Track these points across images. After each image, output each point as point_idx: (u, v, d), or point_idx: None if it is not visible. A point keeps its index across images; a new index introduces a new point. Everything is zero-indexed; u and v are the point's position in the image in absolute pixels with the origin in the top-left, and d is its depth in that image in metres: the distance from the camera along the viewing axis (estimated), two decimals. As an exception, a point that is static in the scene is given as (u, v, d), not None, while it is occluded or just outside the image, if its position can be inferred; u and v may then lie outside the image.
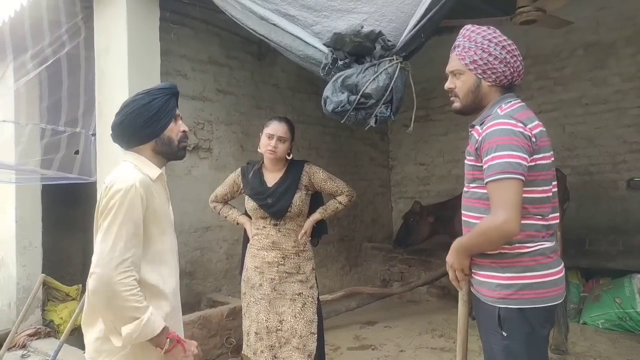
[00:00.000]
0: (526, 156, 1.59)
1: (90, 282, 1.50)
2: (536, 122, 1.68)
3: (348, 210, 6.00)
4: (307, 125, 5.57)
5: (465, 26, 1.79)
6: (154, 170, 1.69)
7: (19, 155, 4.23)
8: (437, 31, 2.21)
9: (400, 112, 2.31)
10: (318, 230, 2.84)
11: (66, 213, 5.35)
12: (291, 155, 2.72)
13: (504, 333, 1.66)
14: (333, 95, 2.07)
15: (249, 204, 2.70)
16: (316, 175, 2.72)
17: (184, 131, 1.76)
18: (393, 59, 2.03)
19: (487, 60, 1.71)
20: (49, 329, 4.38)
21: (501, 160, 1.57)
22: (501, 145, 1.58)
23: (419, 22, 1.98)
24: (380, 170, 6.77)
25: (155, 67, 3.34)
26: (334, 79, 2.10)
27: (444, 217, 4.88)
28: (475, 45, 1.72)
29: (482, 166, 1.66)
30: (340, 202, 2.75)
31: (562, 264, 1.74)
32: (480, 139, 1.66)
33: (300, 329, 2.61)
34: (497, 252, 1.67)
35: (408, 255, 5.79)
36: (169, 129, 1.71)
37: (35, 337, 4.25)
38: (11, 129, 4.36)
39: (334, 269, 5.88)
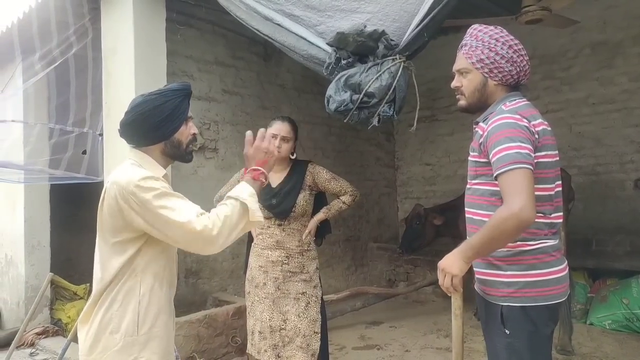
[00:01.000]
0: (532, 149, 1.59)
1: (201, 242, 1.51)
2: (540, 120, 1.68)
3: (354, 211, 6.04)
4: (313, 126, 5.59)
5: (473, 25, 1.80)
6: (158, 171, 1.67)
7: (28, 155, 4.29)
8: (442, 31, 2.22)
9: (406, 112, 2.31)
10: (322, 230, 2.85)
11: (74, 213, 5.40)
12: (295, 155, 2.74)
13: (507, 331, 1.66)
14: (336, 95, 2.08)
15: (253, 203, 2.71)
16: (320, 175, 2.73)
17: (193, 134, 1.72)
18: (396, 58, 2.04)
19: (494, 59, 1.71)
20: (57, 328, 4.42)
21: (511, 151, 1.56)
22: (509, 137, 1.58)
23: (421, 21, 1.98)
24: (386, 170, 6.77)
25: (162, 68, 3.37)
26: (337, 78, 2.11)
27: (447, 218, 4.85)
28: (482, 44, 1.73)
29: (486, 162, 1.66)
30: (344, 202, 2.75)
31: (566, 262, 1.73)
32: (485, 133, 1.66)
33: (304, 328, 2.62)
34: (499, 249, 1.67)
35: (414, 255, 5.75)
36: (179, 132, 1.67)
37: (44, 336, 4.30)
38: (20, 128, 4.41)
39: (339, 269, 5.88)
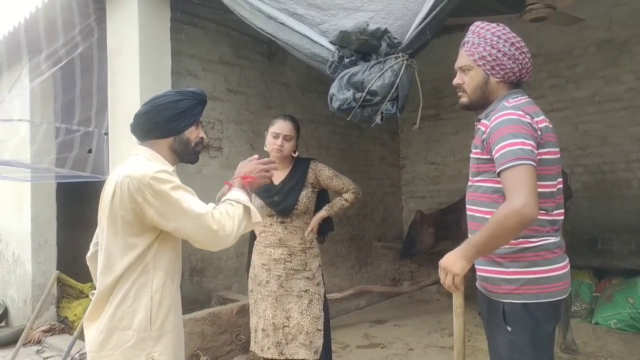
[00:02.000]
0: (535, 145, 1.59)
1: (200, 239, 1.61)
2: (542, 117, 1.68)
3: (358, 210, 6.05)
4: (317, 125, 5.60)
5: (475, 23, 1.81)
6: (167, 167, 1.69)
7: (34, 154, 4.33)
8: (447, 30, 2.22)
9: (411, 111, 2.31)
10: (324, 228, 2.85)
11: (80, 211, 5.42)
12: (297, 153, 2.74)
13: (508, 328, 1.66)
14: (339, 93, 2.08)
15: (256, 201, 2.72)
16: (322, 172, 2.73)
17: (201, 137, 1.80)
18: (399, 57, 2.04)
19: (496, 57, 1.71)
20: (63, 326, 4.46)
21: (514, 147, 1.55)
22: (512, 133, 1.58)
23: (424, 19, 1.99)
24: (391, 169, 6.77)
25: (166, 67, 3.39)
26: (339, 76, 2.11)
27: (447, 223, 4.84)
28: (484, 42, 1.73)
29: (488, 159, 1.66)
30: (346, 200, 2.75)
31: (567, 259, 1.73)
32: (488, 130, 1.66)
33: (307, 325, 2.63)
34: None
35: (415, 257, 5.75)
36: (189, 130, 1.74)
37: (50, 333, 4.34)
38: (27, 127, 4.45)
39: (344, 268, 5.89)
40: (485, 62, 1.73)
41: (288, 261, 2.68)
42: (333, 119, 5.63)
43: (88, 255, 1.92)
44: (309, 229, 2.70)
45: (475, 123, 1.81)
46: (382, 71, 2.01)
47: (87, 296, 4.59)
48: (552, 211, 1.69)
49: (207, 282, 4.47)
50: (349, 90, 2.06)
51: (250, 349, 2.84)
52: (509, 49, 1.71)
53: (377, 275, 6.22)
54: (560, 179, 1.74)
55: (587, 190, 5.16)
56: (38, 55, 3.90)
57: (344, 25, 2.17)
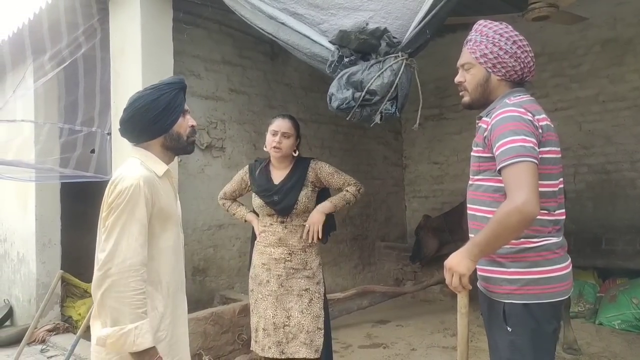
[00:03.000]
0: (537, 142, 1.58)
1: (94, 281, 1.53)
2: (543, 116, 1.68)
3: (361, 209, 6.04)
4: (320, 124, 5.59)
5: (478, 21, 1.81)
6: (160, 167, 1.70)
7: (38, 154, 4.35)
8: (450, 29, 2.22)
9: (414, 110, 2.31)
10: (327, 228, 2.84)
11: (85, 211, 5.45)
12: (297, 153, 2.74)
13: (509, 329, 1.65)
14: (338, 92, 2.08)
15: (256, 201, 2.73)
16: (323, 169, 2.72)
17: (192, 126, 1.76)
18: (398, 56, 2.04)
19: (498, 54, 1.71)
20: (67, 325, 4.49)
21: (515, 144, 1.54)
22: (513, 130, 1.57)
23: (424, 18, 1.99)
24: (394, 169, 6.76)
25: (169, 67, 3.40)
26: (339, 76, 2.12)
27: (451, 226, 4.84)
28: (486, 39, 1.73)
29: (490, 157, 1.65)
30: (347, 190, 2.71)
31: (569, 260, 1.72)
32: (489, 127, 1.65)
33: (307, 324, 2.63)
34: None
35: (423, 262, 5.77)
36: (177, 124, 1.71)
37: (54, 333, 4.36)
38: (30, 128, 4.48)
39: (346, 268, 5.88)
40: (486, 59, 1.73)
41: (288, 260, 2.68)
42: (336, 119, 5.62)
43: None
44: (306, 228, 2.66)
45: (477, 121, 1.81)
46: (382, 70, 2.01)
47: (91, 295, 4.61)
48: (554, 211, 1.67)
49: (210, 281, 4.48)
50: (348, 89, 2.07)
51: (250, 348, 2.84)
52: (511, 47, 1.71)
53: (380, 275, 6.21)
54: (562, 179, 1.73)
55: (591, 190, 5.13)
56: (42, 56, 3.92)
57: (344, 24, 2.17)
